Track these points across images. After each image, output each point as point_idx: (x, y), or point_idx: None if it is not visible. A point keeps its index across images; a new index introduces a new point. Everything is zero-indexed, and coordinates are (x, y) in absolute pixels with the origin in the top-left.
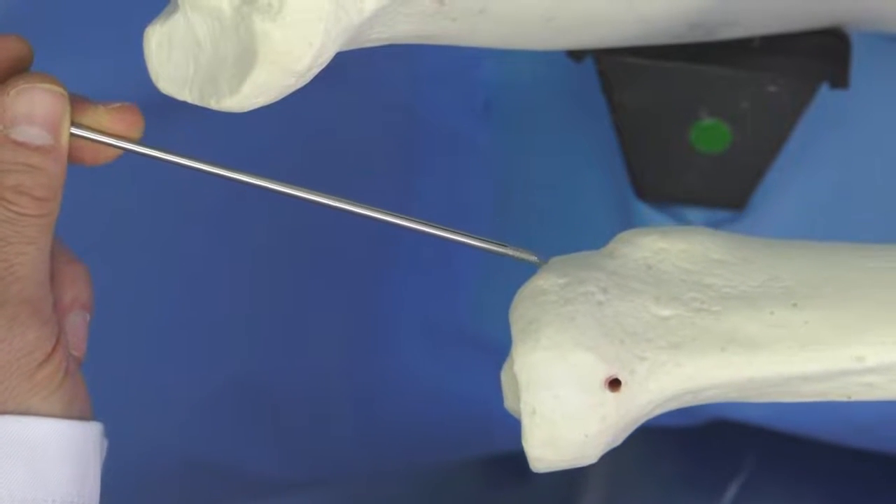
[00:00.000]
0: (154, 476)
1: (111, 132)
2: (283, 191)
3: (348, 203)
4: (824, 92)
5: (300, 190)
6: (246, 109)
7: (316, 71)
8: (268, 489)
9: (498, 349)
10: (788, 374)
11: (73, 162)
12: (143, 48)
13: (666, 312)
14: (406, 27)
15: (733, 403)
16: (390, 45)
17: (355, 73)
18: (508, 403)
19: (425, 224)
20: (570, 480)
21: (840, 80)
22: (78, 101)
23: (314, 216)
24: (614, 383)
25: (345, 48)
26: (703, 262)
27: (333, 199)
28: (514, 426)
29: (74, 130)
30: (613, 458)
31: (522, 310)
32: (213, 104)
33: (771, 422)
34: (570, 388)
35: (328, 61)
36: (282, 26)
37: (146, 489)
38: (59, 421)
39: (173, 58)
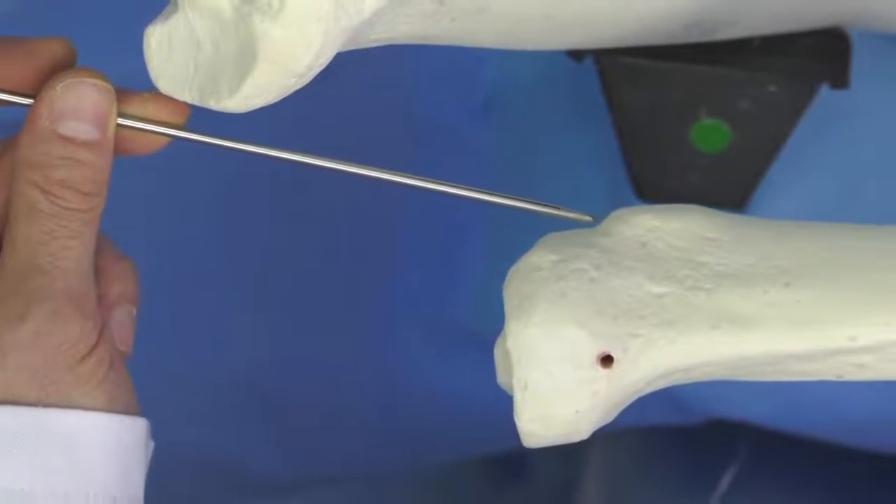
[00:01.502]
0: (159, 474)
1: (157, 120)
2: (353, 171)
3: (403, 176)
4: (824, 92)
5: (370, 169)
6: (246, 110)
7: (316, 71)
8: (270, 488)
9: None
10: (780, 353)
11: (122, 154)
12: (143, 48)
13: (659, 290)
14: (406, 27)
15: (730, 402)
16: (390, 46)
17: (355, 74)
18: (501, 379)
19: (471, 190)
20: (568, 479)
21: (840, 80)
22: (123, 92)
23: (316, 215)
24: (606, 359)
25: (344, 48)
26: (696, 241)
27: (403, 177)
28: (514, 425)
29: (121, 121)
30: (611, 456)
31: (516, 286)
32: (213, 104)
33: (766, 421)
34: (563, 364)
35: (328, 62)
36: (282, 26)
37: (151, 487)
38: (101, 414)
39: (173, 58)
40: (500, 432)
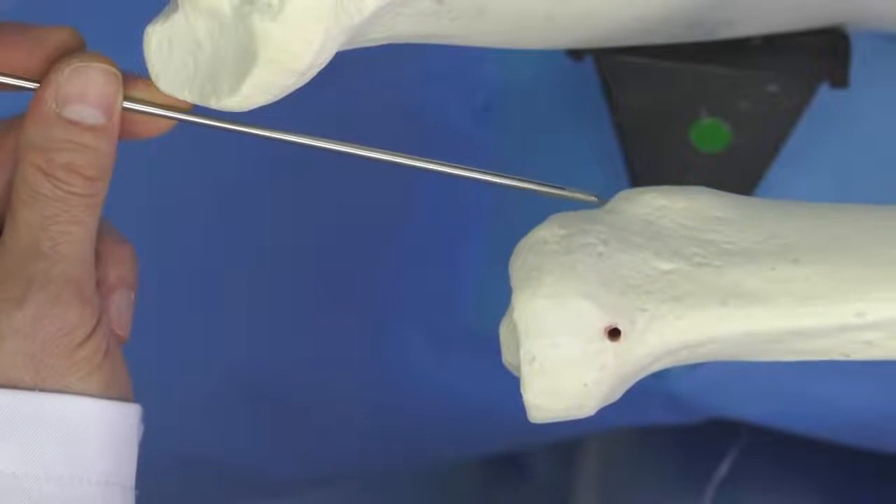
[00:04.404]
0: (154, 473)
1: (163, 104)
2: (353, 152)
3: (411, 158)
4: (824, 91)
5: (373, 151)
6: (246, 109)
7: (316, 70)
8: (269, 488)
9: (499, 348)
10: (788, 329)
11: (128, 137)
12: (144, 48)
13: (667, 266)
14: (406, 27)
15: (729, 402)
16: (390, 45)
17: (355, 73)
18: (506, 359)
19: (477, 171)
20: (566, 479)
21: (840, 79)
22: (129, 77)
23: (317, 213)
24: (614, 333)
25: (344, 48)
26: (704, 219)
27: (411, 159)
28: (513, 426)
29: (127, 104)
30: (609, 456)
31: (523, 259)
32: (214, 103)
33: (765, 420)
34: (570, 336)
35: (328, 61)
36: (282, 26)
37: (146, 486)
38: (96, 400)
39: (174, 57)
40: (500, 432)
